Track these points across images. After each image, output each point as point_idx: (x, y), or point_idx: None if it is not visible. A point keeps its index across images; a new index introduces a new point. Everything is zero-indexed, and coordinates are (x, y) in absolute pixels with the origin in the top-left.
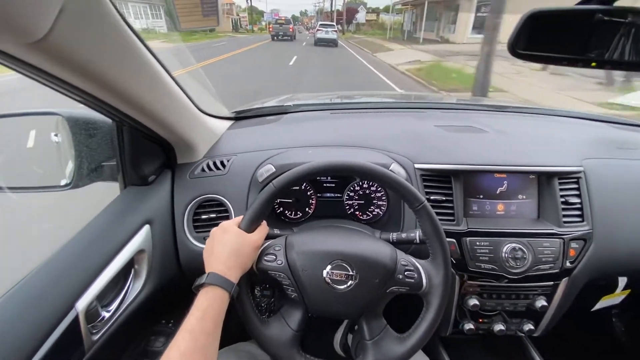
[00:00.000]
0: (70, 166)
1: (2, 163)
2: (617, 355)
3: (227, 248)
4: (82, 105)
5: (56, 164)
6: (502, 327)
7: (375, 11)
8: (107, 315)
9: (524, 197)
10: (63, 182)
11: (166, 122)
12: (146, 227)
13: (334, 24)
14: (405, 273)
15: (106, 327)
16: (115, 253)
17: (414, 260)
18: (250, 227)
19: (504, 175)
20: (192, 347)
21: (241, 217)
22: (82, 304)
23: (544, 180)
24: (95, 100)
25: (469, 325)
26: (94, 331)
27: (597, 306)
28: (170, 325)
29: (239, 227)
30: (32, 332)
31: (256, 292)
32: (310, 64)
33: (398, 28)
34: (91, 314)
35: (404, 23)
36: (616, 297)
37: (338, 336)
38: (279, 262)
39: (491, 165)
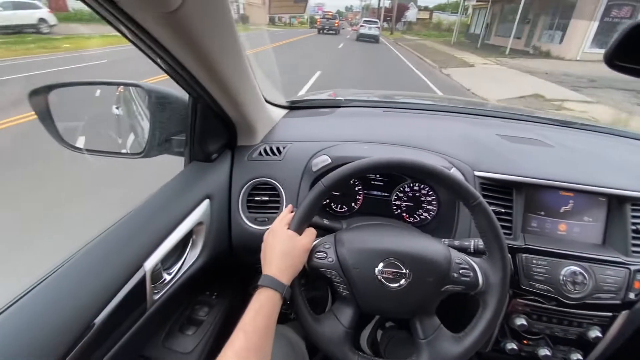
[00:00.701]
0: (131, 137)
1: (82, 127)
2: None
3: (277, 251)
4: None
5: (116, 134)
6: (548, 353)
7: (428, 9)
8: (168, 278)
9: (590, 219)
10: (125, 151)
11: (237, 101)
12: (206, 202)
13: (377, 20)
14: (461, 272)
15: (165, 289)
16: (179, 222)
17: (468, 258)
18: (300, 226)
19: (570, 194)
20: (245, 346)
21: (290, 215)
22: (149, 264)
23: (615, 204)
24: (185, 73)
25: (512, 345)
26: (156, 291)
27: None
28: (213, 297)
29: (288, 227)
30: (107, 283)
31: None
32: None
33: (461, 31)
34: (156, 274)
35: (471, 24)
36: None
37: (366, 333)
38: (330, 259)
39: (559, 181)
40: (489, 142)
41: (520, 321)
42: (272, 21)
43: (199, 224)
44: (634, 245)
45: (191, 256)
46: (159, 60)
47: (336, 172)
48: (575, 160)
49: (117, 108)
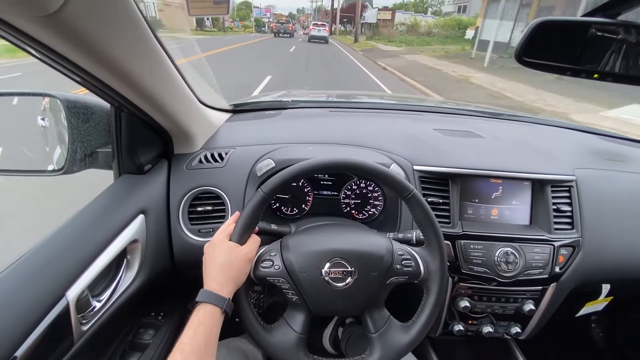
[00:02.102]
0: (58, 151)
1: None
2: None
3: (216, 264)
4: (76, 90)
5: (42, 149)
6: (491, 329)
7: (389, 9)
8: (98, 305)
9: (518, 202)
10: (52, 167)
11: (166, 109)
12: (140, 217)
13: (325, 23)
14: (403, 262)
15: (96, 318)
16: (109, 242)
17: (409, 248)
18: (241, 237)
19: (499, 181)
20: None
21: (232, 226)
22: (73, 293)
23: (538, 187)
24: (97, 82)
25: (459, 327)
26: (84, 321)
27: (581, 312)
28: (159, 318)
29: (230, 238)
30: (20, 321)
31: None
32: None
33: (458, 36)
34: (82, 303)
35: (483, 30)
36: (599, 304)
37: (327, 332)
38: (276, 267)
39: (489, 170)
40: (427, 137)
41: (464, 303)
42: (199, 25)
43: (134, 241)
44: (556, 223)
45: (127, 278)
46: (62, 69)
47: (274, 178)
48: (502, 149)
49: (42, 119)
